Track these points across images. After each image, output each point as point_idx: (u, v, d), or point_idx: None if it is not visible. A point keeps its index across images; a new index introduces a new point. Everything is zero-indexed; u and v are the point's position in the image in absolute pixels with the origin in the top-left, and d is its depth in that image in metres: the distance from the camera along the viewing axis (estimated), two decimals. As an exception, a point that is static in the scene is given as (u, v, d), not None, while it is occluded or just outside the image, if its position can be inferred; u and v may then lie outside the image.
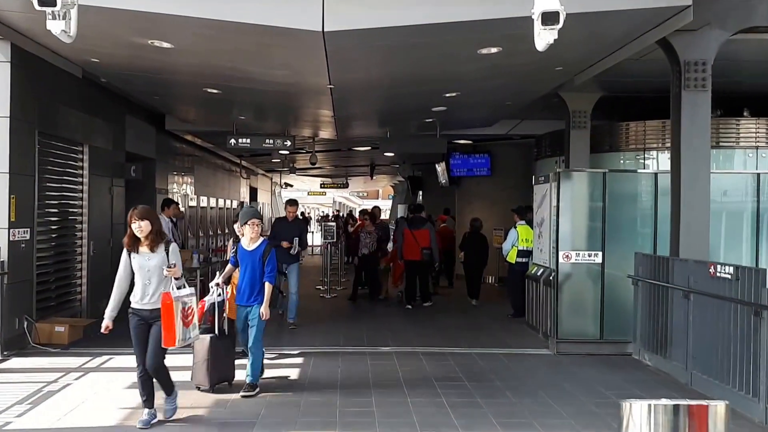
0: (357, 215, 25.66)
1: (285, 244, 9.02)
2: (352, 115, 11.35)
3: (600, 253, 8.26)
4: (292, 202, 10.10)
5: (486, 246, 12.16)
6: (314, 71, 7.58)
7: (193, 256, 10.22)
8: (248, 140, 12.13)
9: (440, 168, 16.75)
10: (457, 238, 14.71)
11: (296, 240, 9.19)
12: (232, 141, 12.05)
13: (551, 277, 8.44)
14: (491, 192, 15.64)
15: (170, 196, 13.70)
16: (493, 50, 6.78)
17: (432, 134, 12.63)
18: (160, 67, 7.87)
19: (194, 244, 15.79)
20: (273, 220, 16.43)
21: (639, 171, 9.79)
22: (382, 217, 16.67)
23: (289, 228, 9.46)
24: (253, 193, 25.96)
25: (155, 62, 7.55)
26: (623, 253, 8.17)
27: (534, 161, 13.52)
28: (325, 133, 13.52)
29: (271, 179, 30.86)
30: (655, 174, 8.59)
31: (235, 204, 21.77)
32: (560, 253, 8.25)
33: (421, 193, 24.66)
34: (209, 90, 8.96)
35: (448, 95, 9.36)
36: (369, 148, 17.21)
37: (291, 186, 32.79)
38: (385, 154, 14.54)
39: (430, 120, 11.73)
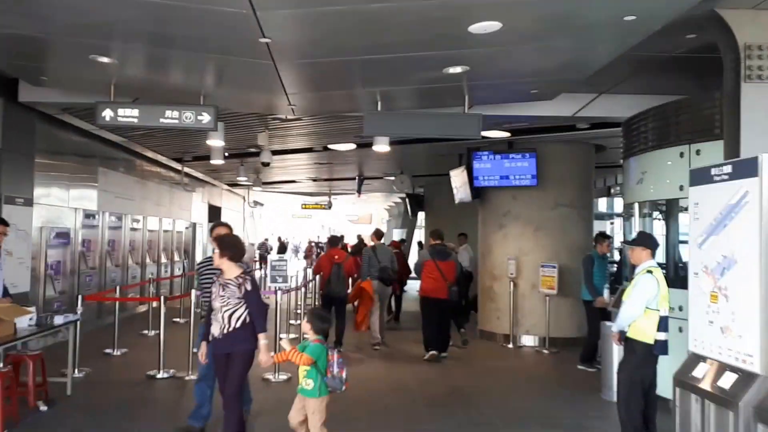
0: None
1: None
2: (303, 40, 5.63)
3: None
4: None
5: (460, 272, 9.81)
6: None
7: None
8: (135, 111, 6.78)
9: (458, 176, 11.29)
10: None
11: None
12: (108, 113, 6.74)
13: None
14: (535, 211, 10.29)
15: (37, 208, 8.36)
16: None
17: (457, 106, 7.30)
18: None
19: (74, 283, 10.33)
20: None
21: None
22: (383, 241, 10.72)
23: None
24: (215, 212, 20.52)
25: None
26: None
27: (622, 158, 8.13)
28: (278, 104, 8.01)
29: (244, 198, 25.50)
30: None
31: (180, 226, 16.40)
32: None
33: (423, 214, 19.58)
34: None
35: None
36: (353, 146, 11.89)
37: (261, 205, 27.16)
38: (375, 148, 9.08)
39: (455, 70, 6.31)
